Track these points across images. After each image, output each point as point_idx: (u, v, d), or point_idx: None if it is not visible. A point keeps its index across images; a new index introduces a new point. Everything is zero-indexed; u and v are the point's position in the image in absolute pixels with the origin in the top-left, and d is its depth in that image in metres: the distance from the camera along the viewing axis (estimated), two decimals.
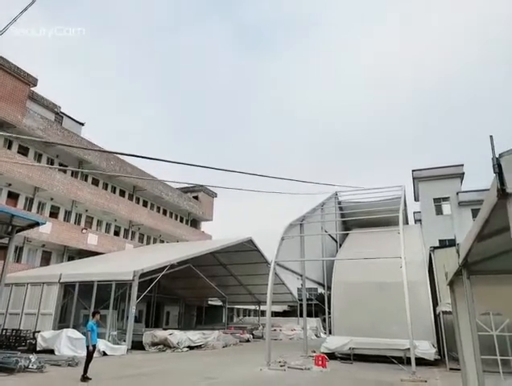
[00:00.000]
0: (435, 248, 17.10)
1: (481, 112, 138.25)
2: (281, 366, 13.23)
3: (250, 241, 28.83)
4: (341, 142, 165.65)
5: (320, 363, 12.84)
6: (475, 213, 25.40)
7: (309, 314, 26.51)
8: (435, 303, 15.32)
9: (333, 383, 10.87)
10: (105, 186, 32.92)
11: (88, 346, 10.41)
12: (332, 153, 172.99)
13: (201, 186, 44.17)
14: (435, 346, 14.47)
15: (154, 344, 18.81)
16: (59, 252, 27.87)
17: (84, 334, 13.23)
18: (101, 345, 15.38)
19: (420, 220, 30.61)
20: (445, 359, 13.26)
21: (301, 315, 25.02)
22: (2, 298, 16.59)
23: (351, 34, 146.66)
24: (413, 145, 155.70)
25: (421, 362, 13.11)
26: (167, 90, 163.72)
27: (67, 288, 19.48)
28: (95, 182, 31.81)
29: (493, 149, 2.41)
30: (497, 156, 2.32)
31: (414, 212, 36.91)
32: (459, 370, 6.96)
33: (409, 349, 12.19)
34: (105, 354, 15.54)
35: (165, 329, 23.60)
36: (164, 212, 39.84)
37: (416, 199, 32.85)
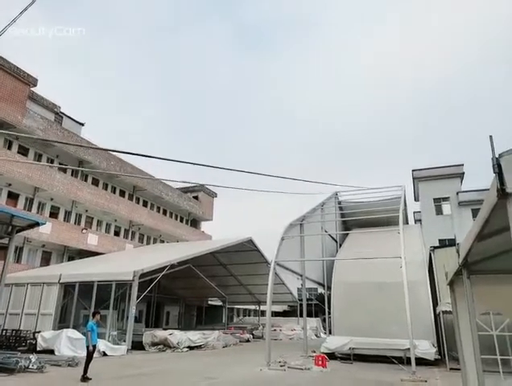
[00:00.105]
0: (435, 247, 17.11)
1: (480, 112, 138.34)
2: (281, 366, 13.23)
3: (250, 241, 28.83)
4: (341, 142, 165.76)
5: (320, 363, 12.84)
6: (475, 213, 25.41)
7: (309, 314, 26.51)
8: (435, 303, 15.32)
9: (333, 383, 10.87)
10: (105, 187, 32.93)
11: (88, 347, 10.41)
12: (332, 153, 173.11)
13: (201, 185, 44.17)
14: (435, 346, 14.47)
15: (154, 344, 18.81)
16: (59, 252, 27.86)
17: (84, 334, 13.23)
18: (101, 345, 15.38)
19: (420, 220, 30.62)
20: (445, 359, 13.26)
21: (301, 315, 25.02)
22: (2, 299, 16.59)
23: (351, 34, 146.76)
24: (413, 145, 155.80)
25: (421, 362, 13.11)
26: (167, 90, 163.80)
27: (67, 288, 19.47)
28: (95, 183, 31.81)
29: (492, 149, 2.41)
30: (496, 156, 2.32)
31: (414, 212, 36.92)
32: (459, 370, 6.96)
33: (409, 349, 12.19)
34: (105, 354, 15.54)
35: (165, 329, 23.59)
36: (164, 212, 39.84)
37: (416, 198, 32.86)
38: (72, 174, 29.48)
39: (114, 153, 30.01)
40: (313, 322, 35.02)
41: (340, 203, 23.65)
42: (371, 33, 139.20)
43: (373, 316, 15.18)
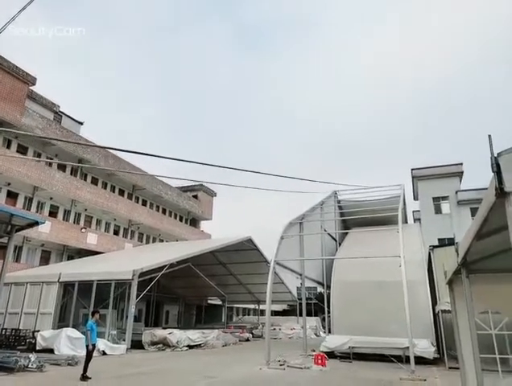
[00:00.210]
0: (435, 246, 17.12)
1: (481, 112, 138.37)
2: (280, 365, 13.25)
3: (250, 240, 28.84)
4: (341, 142, 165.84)
5: (320, 361, 12.85)
6: (474, 212, 25.36)
7: (308, 313, 26.49)
8: (435, 302, 15.34)
9: (333, 382, 10.88)
10: (105, 186, 32.91)
11: (87, 346, 10.42)
12: (332, 153, 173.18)
13: (201, 185, 44.23)
14: (435, 344, 14.49)
15: (153, 343, 18.82)
16: (58, 251, 27.85)
17: (83, 333, 13.25)
18: (101, 344, 15.38)
19: (419, 219, 30.62)
20: (444, 358, 13.28)
21: (300, 314, 25.04)
22: (1, 298, 16.60)
23: (351, 34, 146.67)
24: (413, 145, 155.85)
25: (420, 361, 13.13)
26: (167, 90, 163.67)
27: (66, 287, 19.48)
28: (94, 182, 31.80)
29: (491, 148, 2.41)
30: (495, 155, 2.33)
31: (413, 211, 36.93)
32: (458, 368, 6.97)
33: (408, 348, 12.20)
34: (104, 353, 15.55)
35: (164, 328, 23.63)
36: (164, 211, 39.83)
37: (415, 197, 32.87)
38: (71, 174, 29.48)
39: (113, 151, 30.02)
40: (313, 321, 35.04)
41: (339, 202, 23.64)
42: (371, 33, 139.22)
43: (372, 315, 15.20)
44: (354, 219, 22.36)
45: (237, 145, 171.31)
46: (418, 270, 15.81)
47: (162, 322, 33.66)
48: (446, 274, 6.39)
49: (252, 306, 43.45)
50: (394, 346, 14.03)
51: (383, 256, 13.33)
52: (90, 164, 29.86)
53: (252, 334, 28.97)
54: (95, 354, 11.44)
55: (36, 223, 15.81)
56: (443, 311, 13.25)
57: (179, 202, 40.64)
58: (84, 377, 9.93)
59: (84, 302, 18.85)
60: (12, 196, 25.45)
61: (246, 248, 28.84)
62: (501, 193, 2.25)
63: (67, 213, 29.09)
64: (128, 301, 18.06)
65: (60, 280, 18.99)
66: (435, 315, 14.91)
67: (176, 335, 18.97)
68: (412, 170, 31.28)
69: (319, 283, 21.38)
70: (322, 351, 14.62)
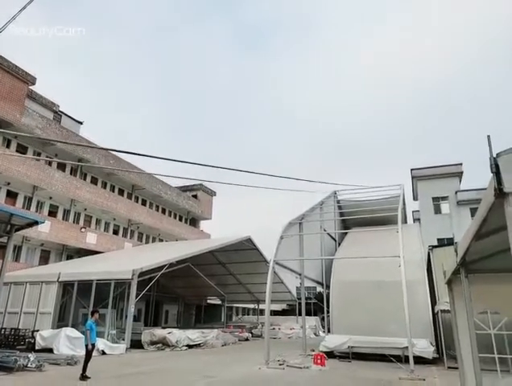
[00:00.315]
0: (434, 246, 17.14)
1: (481, 113, 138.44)
2: (280, 364, 13.25)
3: (249, 240, 28.84)
4: (341, 142, 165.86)
5: (319, 361, 12.85)
6: (473, 212, 25.41)
7: (308, 313, 26.51)
8: (434, 302, 15.35)
9: (332, 382, 10.89)
10: (104, 185, 32.90)
11: (87, 345, 10.42)
12: (332, 153, 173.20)
13: (200, 184, 44.24)
14: (434, 344, 14.50)
15: (153, 343, 18.82)
16: (57, 251, 27.84)
17: (83, 333, 13.26)
18: (100, 344, 15.38)
19: (419, 219, 30.64)
20: (443, 358, 13.28)
21: (300, 314, 25.06)
22: (0, 297, 16.60)
23: (351, 34, 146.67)
24: (413, 145, 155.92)
25: (419, 360, 13.15)
26: (167, 90, 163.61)
27: (66, 287, 19.47)
28: (94, 181, 31.79)
29: (490, 148, 2.42)
30: (494, 156, 2.33)
31: (413, 211, 36.97)
32: (457, 368, 6.98)
33: (407, 347, 12.20)
34: (103, 353, 15.55)
35: (164, 328, 23.63)
36: (163, 211, 39.82)
37: (415, 198, 32.88)
38: (70, 173, 29.47)
39: (113, 152, 29.97)
40: (312, 320, 35.05)
41: (339, 201, 23.65)
42: (371, 33, 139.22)
43: (371, 315, 15.21)
44: (354, 219, 22.37)
45: (237, 144, 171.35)
46: (417, 270, 15.82)
47: (161, 321, 33.65)
48: (445, 274, 6.40)
49: (251, 306, 43.45)
50: (393, 346, 14.04)
51: (383, 256, 13.33)
52: (90, 164, 29.86)
53: (251, 333, 28.98)
54: (94, 353, 11.43)
55: (36, 223, 15.81)
56: (443, 311, 13.26)
57: (179, 201, 40.64)
58: (83, 377, 9.93)
59: (83, 302, 18.84)
60: (12, 196, 25.43)
61: (246, 248, 28.85)
62: (500, 193, 2.26)
63: (66, 213, 29.08)
64: (127, 301, 18.05)
65: (60, 279, 18.98)
66: (435, 315, 14.92)
67: (176, 335, 18.97)
68: (412, 170, 31.28)
69: (318, 283, 21.39)
70: (321, 351, 14.63)
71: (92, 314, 11.07)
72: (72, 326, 16.94)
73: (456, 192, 29.01)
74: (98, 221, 32.12)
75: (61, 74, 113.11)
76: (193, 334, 19.94)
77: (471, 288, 4.64)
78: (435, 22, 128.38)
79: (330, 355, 14.70)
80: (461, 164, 30.17)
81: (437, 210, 29.63)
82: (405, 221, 24.64)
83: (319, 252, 19.51)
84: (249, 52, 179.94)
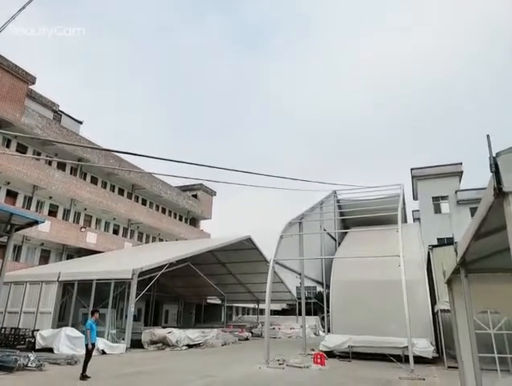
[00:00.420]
0: (434, 246, 17.14)
1: (481, 112, 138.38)
2: (280, 364, 13.26)
3: (249, 240, 28.83)
4: (341, 142, 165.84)
5: (319, 361, 12.86)
6: (473, 212, 25.33)
7: (308, 313, 26.52)
8: (434, 301, 15.35)
9: (332, 381, 10.89)
10: (104, 185, 32.89)
11: (87, 345, 10.42)
12: (332, 153, 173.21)
13: (200, 184, 44.23)
14: (434, 344, 14.50)
15: (153, 342, 18.83)
16: (57, 250, 27.84)
17: (83, 332, 13.26)
18: (100, 343, 15.38)
19: (419, 219, 30.63)
20: (443, 357, 13.29)
21: (300, 313, 25.06)
22: (0, 297, 16.60)
23: (351, 34, 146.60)
24: (413, 145, 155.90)
25: (419, 360, 13.14)
26: (167, 90, 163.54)
27: (66, 286, 19.46)
28: (94, 181, 31.78)
29: (490, 148, 2.42)
30: (494, 155, 2.33)
31: (412, 211, 36.95)
32: (457, 368, 6.98)
33: (407, 347, 12.20)
34: (104, 352, 15.55)
35: (164, 327, 23.62)
36: (163, 211, 39.82)
37: (415, 197, 32.86)
38: (70, 173, 29.46)
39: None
40: (312, 320, 35.07)
41: (338, 201, 23.64)
42: (371, 33, 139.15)
43: (371, 314, 15.21)
44: (354, 218, 22.36)
45: (237, 144, 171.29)
46: (417, 270, 15.82)
47: (161, 321, 33.66)
48: (445, 274, 6.40)
49: (251, 306, 43.46)
50: (393, 346, 14.04)
51: (382, 256, 13.34)
52: (90, 163, 29.85)
53: (251, 333, 28.98)
54: (94, 353, 11.43)
55: (36, 223, 15.81)
56: (443, 311, 13.26)
57: (179, 201, 40.62)
58: (83, 376, 9.93)
59: (83, 301, 18.84)
60: (11, 195, 25.43)
61: (246, 248, 28.84)
62: (499, 193, 2.25)
63: (66, 212, 29.07)
64: (127, 301, 18.05)
65: (60, 279, 18.98)
66: (434, 314, 14.92)
67: (176, 334, 18.97)
68: (412, 169, 31.28)
69: (318, 282, 21.38)
70: (321, 351, 14.64)
71: (93, 313, 11.07)
72: (72, 326, 16.95)
73: (455, 192, 29.01)
74: (98, 221, 32.11)
75: (61, 74, 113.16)
76: (193, 334, 19.95)
77: (471, 287, 4.64)
78: (435, 22, 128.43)
79: (330, 354, 14.70)
80: (461, 164, 30.17)
81: (437, 209, 29.63)
82: (405, 221, 24.64)
83: (319, 252, 19.51)
84: (249, 52, 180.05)
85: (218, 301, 37.35)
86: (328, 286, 19.06)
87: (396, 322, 13.47)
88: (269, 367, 12.60)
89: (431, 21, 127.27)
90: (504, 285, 5.15)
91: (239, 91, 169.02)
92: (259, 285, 30.06)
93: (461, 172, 30.03)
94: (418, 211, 32.89)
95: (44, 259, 27.01)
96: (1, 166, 23.15)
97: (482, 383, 4.54)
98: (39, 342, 15.86)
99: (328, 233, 20.98)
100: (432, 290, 15.76)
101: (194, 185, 44.15)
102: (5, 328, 17.71)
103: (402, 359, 13.53)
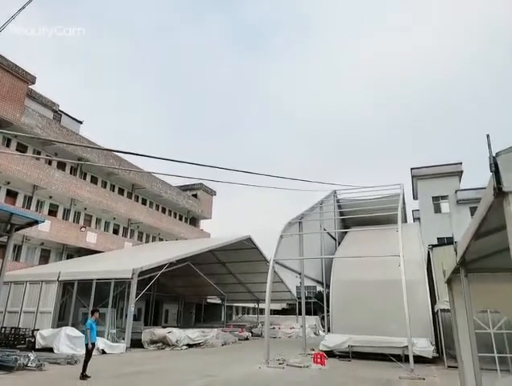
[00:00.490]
0: (434, 246, 17.13)
1: (481, 112, 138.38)
2: (280, 364, 13.27)
3: (249, 239, 28.84)
4: (341, 142, 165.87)
5: (319, 360, 12.86)
6: (473, 211, 25.26)
7: (308, 312, 26.53)
8: (434, 301, 15.35)
9: (332, 381, 10.90)
10: (104, 185, 32.89)
11: (87, 345, 10.42)
12: (332, 153, 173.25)
13: (200, 184, 44.22)
14: (434, 343, 14.50)
15: (153, 342, 18.83)
16: (57, 250, 27.84)
17: (83, 332, 13.25)
18: (100, 343, 15.39)
19: (419, 218, 30.62)
20: (443, 357, 13.29)
21: (300, 313, 25.07)
22: (0, 296, 16.60)
23: (351, 34, 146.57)
24: (413, 145, 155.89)
25: (419, 359, 13.15)
26: (167, 90, 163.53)
27: (66, 286, 19.47)
28: (94, 181, 31.78)
29: (489, 148, 2.42)
30: (493, 155, 2.33)
31: (412, 210, 36.95)
32: (457, 367, 6.98)
33: (407, 347, 12.20)
34: (104, 352, 15.55)
35: (164, 327, 23.62)
36: (163, 210, 39.81)
37: (415, 197, 32.86)
38: (70, 172, 29.46)
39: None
40: (312, 320, 35.07)
41: (338, 201, 23.63)
42: (371, 33, 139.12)
43: (371, 314, 15.21)
44: (353, 218, 22.34)
45: (237, 144, 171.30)
46: (417, 269, 15.82)
47: (161, 320, 33.66)
48: (445, 273, 6.40)
49: (251, 305, 43.47)
50: (393, 345, 14.04)
51: (382, 256, 13.33)
52: (90, 163, 29.84)
53: (251, 333, 28.99)
54: (94, 353, 11.44)
55: (36, 222, 15.81)
56: (443, 310, 13.26)
57: (179, 201, 40.62)
58: (83, 376, 9.94)
59: (83, 301, 18.85)
60: (11, 195, 25.43)
61: (246, 247, 28.84)
62: (499, 193, 2.25)
63: (66, 212, 29.07)
64: (127, 300, 18.05)
65: (60, 279, 18.98)
66: (434, 314, 14.92)
67: (176, 334, 18.98)
68: (412, 169, 31.27)
69: (318, 282, 21.39)
70: (321, 350, 14.64)
71: (93, 313, 11.07)
72: (72, 326, 16.96)
73: (455, 191, 29.00)
74: (98, 220, 32.11)
75: (61, 74, 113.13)
76: (193, 334, 19.95)
77: (470, 287, 4.64)
78: (435, 22, 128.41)
79: (330, 354, 14.70)
80: (461, 163, 30.16)
81: (437, 209, 29.62)
82: (405, 220, 24.63)
83: (319, 252, 19.51)
84: (249, 52, 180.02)
85: (218, 301, 37.36)
86: (328, 286, 19.06)
87: (396, 322, 13.47)
88: (269, 367, 12.61)
89: (431, 21, 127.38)
90: (504, 284, 5.15)
91: (239, 91, 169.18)
92: (259, 285, 30.07)
93: (461, 172, 30.02)
94: (418, 210, 32.89)
95: (44, 259, 27.01)
96: (1, 165, 23.15)
97: (482, 382, 4.54)
98: (39, 342, 15.87)
99: (328, 233, 20.98)
100: (432, 290, 15.75)
101: (194, 185, 44.15)
102: (5, 328, 17.71)
103: (402, 358, 13.53)
